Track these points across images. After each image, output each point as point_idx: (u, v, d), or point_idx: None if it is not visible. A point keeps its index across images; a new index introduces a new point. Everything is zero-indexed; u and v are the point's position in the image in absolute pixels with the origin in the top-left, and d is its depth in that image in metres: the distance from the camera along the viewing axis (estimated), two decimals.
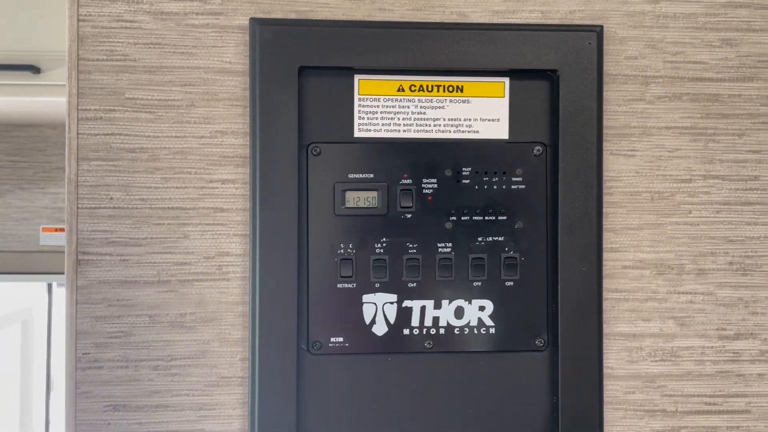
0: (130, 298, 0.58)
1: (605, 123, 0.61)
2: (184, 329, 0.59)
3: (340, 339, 0.59)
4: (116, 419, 0.58)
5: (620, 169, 0.62)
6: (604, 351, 0.61)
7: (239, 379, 0.59)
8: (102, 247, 0.58)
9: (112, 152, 0.58)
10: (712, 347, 0.62)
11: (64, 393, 0.58)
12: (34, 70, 1.51)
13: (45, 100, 1.59)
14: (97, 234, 0.58)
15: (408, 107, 0.60)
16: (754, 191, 0.62)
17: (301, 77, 0.58)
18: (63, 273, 0.59)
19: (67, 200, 0.58)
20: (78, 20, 0.58)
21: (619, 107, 0.62)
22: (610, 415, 0.62)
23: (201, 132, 0.59)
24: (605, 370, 0.61)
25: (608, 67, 0.61)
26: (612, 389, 0.62)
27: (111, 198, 0.58)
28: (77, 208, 0.58)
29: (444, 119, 0.60)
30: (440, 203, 0.60)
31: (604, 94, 0.61)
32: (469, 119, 0.60)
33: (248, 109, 0.58)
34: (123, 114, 0.58)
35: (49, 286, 2.23)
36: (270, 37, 0.58)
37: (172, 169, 0.59)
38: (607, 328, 0.61)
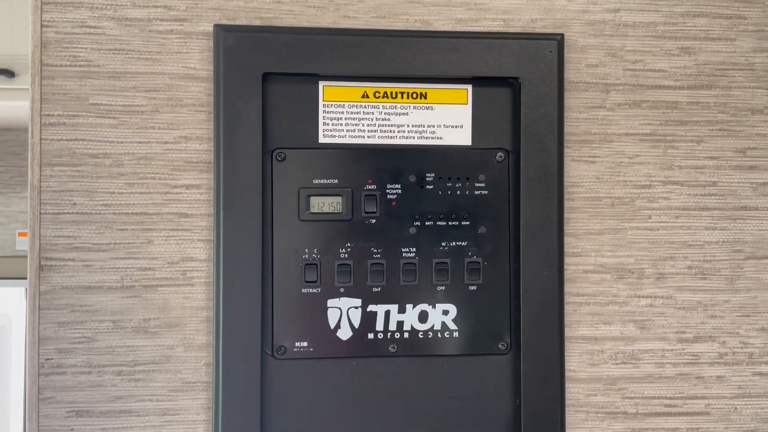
0: (93, 304, 0.58)
1: (567, 130, 0.62)
2: (148, 334, 0.59)
3: (305, 344, 0.60)
4: (79, 425, 0.58)
5: (581, 175, 0.63)
6: (566, 354, 0.62)
7: (203, 384, 0.59)
8: (65, 252, 0.58)
9: (75, 158, 0.58)
10: (671, 350, 0.63)
11: (27, 399, 0.58)
12: (8, 74, 1.50)
13: (20, 105, 1.58)
14: (60, 239, 0.58)
15: (372, 113, 0.61)
16: (713, 197, 0.64)
17: (265, 83, 0.59)
18: None
19: (30, 206, 0.58)
20: (41, 26, 0.58)
21: (580, 114, 0.63)
22: (572, 417, 0.62)
23: (165, 137, 0.59)
24: (567, 373, 0.62)
25: (569, 75, 0.62)
26: (574, 392, 0.63)
27: (74, 203, 0.58)
28: (40, 213, 0.58)
29: (408, 125, 0.61)
30: (404, 209, 0.60)
31: (566, 101, 0.62)
32: (433, 126, 0.61)
33: (212, 115, 0.59)
34: (86, 119, 0.58)
35: (26, 291, 2.20)
36: (234, 44, 0.58)
37: (136, 175, 0.59)
38: (569, 332, 0.62)
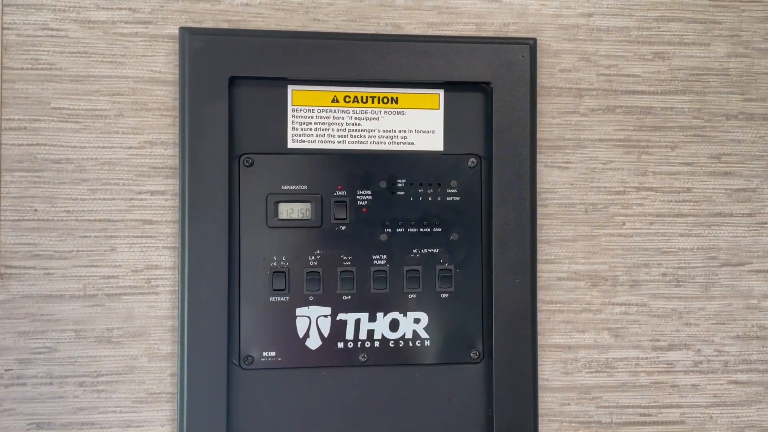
0: (54, 313, 0.57)
1: (540, 135, 0.61)
2: (111, 344, 0.57)
3: (273, 353, 0.58)
4: None
5: (555, 181, 0.62)
6: (540, 363, 0.61)
7: (168, 395, 0.58)
8: (25, 260, 0.57)
9: (36, 163, 0.57)
10: (646, 358, 0.63)
11: None
12: None
13: None
14: (20, 247, 0.57)
15: (342, 118, 0.60)
16: (687, 203, 0.63)
17: (232, 87, 0.57)
18: None
19: None
20: (2, 28, 0.56)
21: (553, 119, 0.62)
22: (545, 427, 0.61)
23: (129, 142, 0.58)
24: (540, 382, 0.61)
25: (542, 80, 0.62)
26: (547, 401, 0.62)
27: (35, 210, 0.57)
28: (0, 220, 0.56)
29: (379, 131, 0.60)
30: (375, 215, 0.59)
31: (539, 106, 0.61)
32: (404, 131, 0.60)
33: (178, 120, 0.57)
34: (48, 124, 0.57)
35: None
36: (200, 47, 0.57)
37: (99, 180, 0.57)
38: (542, 340, 0.61)
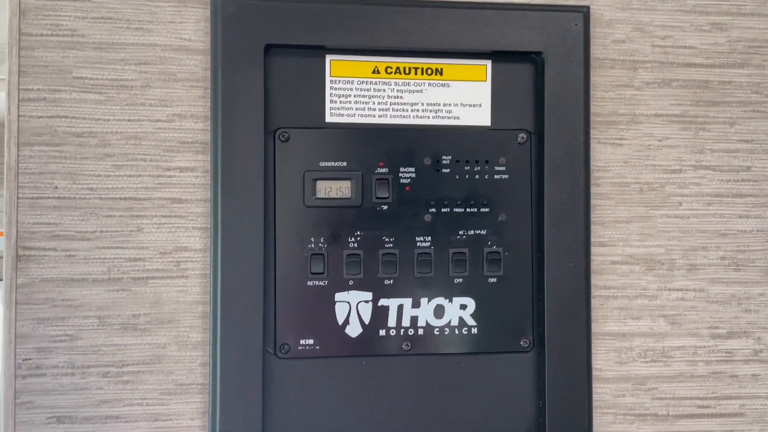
0: (76, 298, 0.53)
1: (592, 110, 0.58)
2: (138, 332, 0.53)
3: (311, 341, 0.54)
4: None
5: (608, 158, 0.58)
6: (593, 352, 0.57)
7: (199, 386, 0.54)
8: (45, 241, 0.53)
9: (57, 136, 0.53)
10: (704, 347, 0.59)
11: (2, 404, 0.52)
12: None
13: None
14: (39, 227, 0.52)
15: (384, 91, 0.56)
16: (746, 182, 0.60)
17: (267, 56, 0.53)
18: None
19: (6, 189, 0.52)
20: None
21: (606, 93, 0.58)
22: (598, 420, 0.58)
23: (157, 115, 0.54)
24: (594, 372, 0.58)
25: (595, 51, 0.58)
26: (601, 392, 0.58)
27: (56, 187, 0.53)
28: (17, 197, 0.52)
29: (422, 104, 0.56)
30: (419, 194, 0.56)
31: (591, 79, 0.57)
32: (449, 104, 0.56)
33: (209, 91, 0.54)
34: (70, 95, 0.53)
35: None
36: (234, 12, 0.53)
37: (125, 156, 0.53)
38: (595, 327, 0.58)
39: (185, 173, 0.54)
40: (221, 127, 0.53)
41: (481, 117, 0.57)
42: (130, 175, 0.54)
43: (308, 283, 0.55)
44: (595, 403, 0.57)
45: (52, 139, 0.53)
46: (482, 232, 0.56)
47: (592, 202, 0.58)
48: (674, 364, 0.59)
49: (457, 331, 0.56)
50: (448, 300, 0.56)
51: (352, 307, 0.55)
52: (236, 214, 0.53)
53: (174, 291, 0.54)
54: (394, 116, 0.56)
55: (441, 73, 0.56)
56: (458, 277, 0.56)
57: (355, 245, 0.55)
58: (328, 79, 0.55)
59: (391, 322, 0.55)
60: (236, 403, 0.53)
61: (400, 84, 0.56)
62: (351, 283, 0.55)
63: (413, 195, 0.56)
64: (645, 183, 0.59)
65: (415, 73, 0.56)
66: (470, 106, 0.57)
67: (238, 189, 0.53)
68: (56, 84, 0.53)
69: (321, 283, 0.55)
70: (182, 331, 0.54)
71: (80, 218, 0.53)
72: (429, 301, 0.56)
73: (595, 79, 0.58)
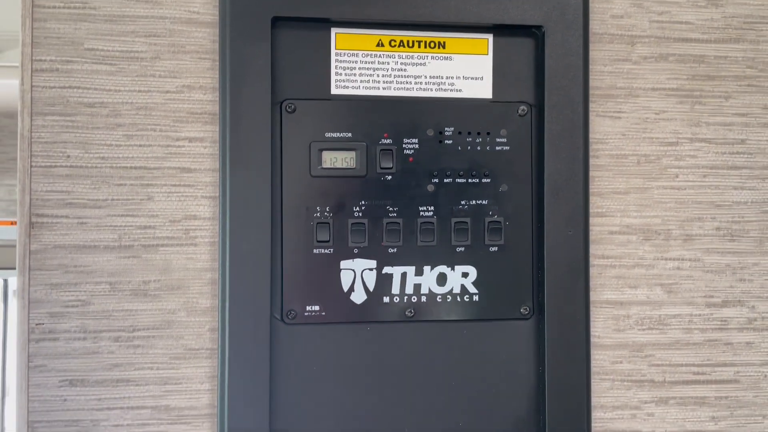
0: (88, 264, 0.54)
1: (591, 83, 0.59)
2: (148, 298, 0.55)
3: (316, 307, 0.56)
4: (73, 395, 0.54)
5: (606, 131, 0.60)
6: (591, 319, 0.59)
7: (208, 351, 0.55)
8: (58, 208, 0.54)
9: (69, 106, 0.54)
10: (699, 315, 0.60)
11: (16, 367, 0.54)
12: None
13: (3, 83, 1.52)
14: (52, 195, 0.54)
15: (388, 63, 0.57)
16: (741, 155, 0.61)
17: (274, 29, 0.55)
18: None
19: (20, 158, 0.54)
20: None
21: (605, 67, 0.60)
22: (596, 386, 0.59)
23: (166, 86, 0.55)
24: (592, 339, 0.59)
25: (593, 26, 0.59)
26: (599, 359, 0.59)
27: (68, 156, 0.54)
28: (30, 166, 0.54)
29: (425, 77, 0.57)
30: (422, 164, 0.57)
31: (590, 53, 0.59)
32: (452, 77, 0.58)
33: (218, 63, 0.55)
34: (81, 66, 0.54)
35: (5, 282, 2.13)
36: None
37: (135, 126, 0.55)
38: (593, 296, 0.59)
39: (194, 143, 0.55)
40: (229, 98, 0.54)
41: (483, 89, 0.58)
42: (140, 145, 0.55)
43: (314, 251, 0.56)
44: (593, 369, 0.59)
45: (65, 109, 0.54)
46: (484, 202, 0.58)
47: (591, 173, 0.59)
48: (670, 331, 0.60)
49: (459, 299, 0.57)
50: (450, 268, 0.57)
51: (357, 275, 0.56)
52: (244, 183, 0.54)
53: (183, 258, 0.55)
54: (398, 88, 0.57)
55: (444, 47, 0.58)
56: (460, 246, 0.57)
57: (360, 214, 0.56)
58: (333, 51, 0.56)
59: (395, 289, 0.57)
60: (244, 367, 0.54)
61: (404, 57, 0.57)
62: (356, 251, 0.56)
63: (416, 165, 0.57)
64: (642, 155, 0.60)
65: (419, 47, 0.57)
66: (472, 78, 0.58)
67: (246, 159, 0.54)
68: (68, 55, 0.54)
69: (326, 251, 0.56)
70: (191, 297, 0.55)
71: (92, 186, 0.54)
72: (432, 269, 0.57)
73: (593, 53, 0.59)
